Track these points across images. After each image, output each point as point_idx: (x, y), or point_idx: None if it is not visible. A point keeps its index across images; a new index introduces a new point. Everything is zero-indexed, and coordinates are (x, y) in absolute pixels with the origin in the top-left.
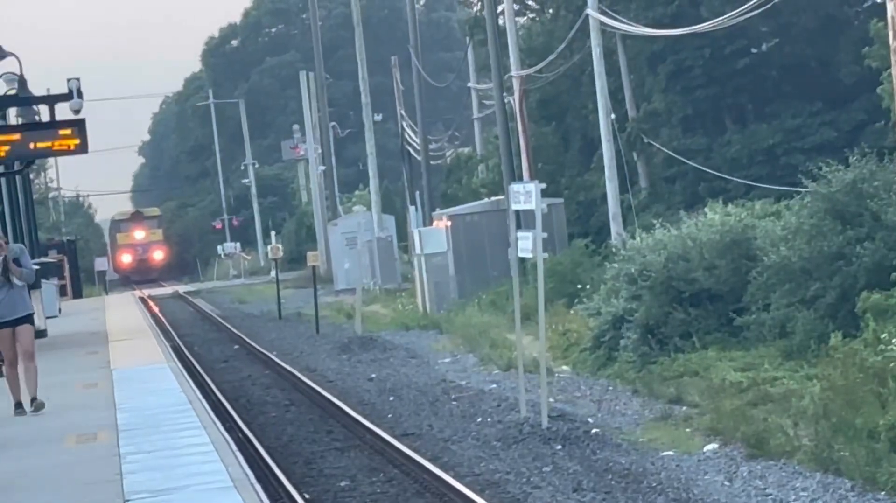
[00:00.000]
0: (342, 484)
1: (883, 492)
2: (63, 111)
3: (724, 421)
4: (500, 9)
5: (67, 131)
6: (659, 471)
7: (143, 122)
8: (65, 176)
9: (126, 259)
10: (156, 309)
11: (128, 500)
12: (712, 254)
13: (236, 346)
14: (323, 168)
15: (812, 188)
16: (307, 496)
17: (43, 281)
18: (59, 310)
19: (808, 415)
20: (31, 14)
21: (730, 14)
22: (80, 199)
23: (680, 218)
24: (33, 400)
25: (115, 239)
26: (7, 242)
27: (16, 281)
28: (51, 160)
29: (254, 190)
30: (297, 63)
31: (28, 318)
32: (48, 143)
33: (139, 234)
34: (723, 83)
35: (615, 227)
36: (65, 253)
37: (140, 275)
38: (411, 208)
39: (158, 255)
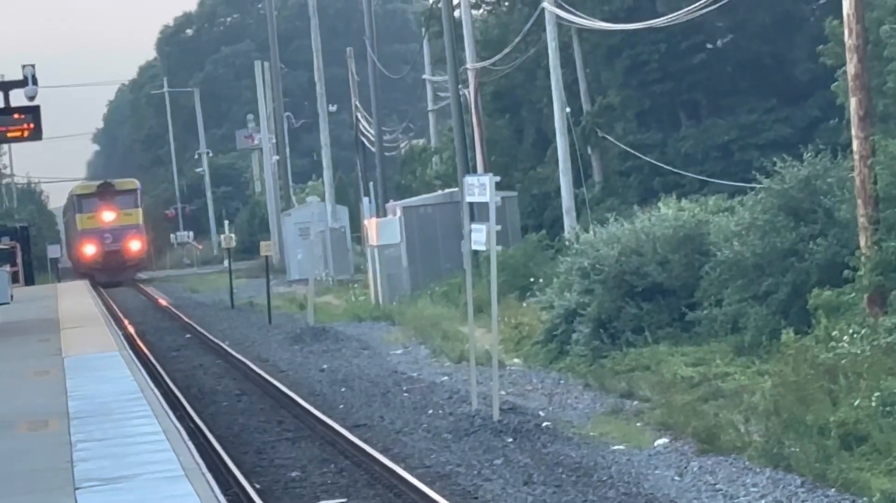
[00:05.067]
0: (293, 474)
1: (833, 489)
2: (18, 97)
3: (675, 416)
4: (456, 1)
5: (22, 117)
6: (609, 465)
7: (98, 109)
8: (18, 162)
9: (89, 250)
10: (108, 297)
11: (78, 488)
12: (665, 248)
13: (188, 335)
14: (277, 158)
15: (766, 184)
16: (258, 486)
17: None
18: (11, 297)
19: (759, 410)
20: None
21: (686, 9)
22: (33, 185)
23: (634, 212)
24: None
25: (73, 222)
26: None
27: None
28: (4, 147)
29: (207, 179)
30: (252, 53)
31: None
32: (2, 129)
33: (108, 216)
34: (678, 78)
35: (569, 221)
36: (17, 240)
37: (109, 274)
38: (365, 199)
39: (135, 246)
